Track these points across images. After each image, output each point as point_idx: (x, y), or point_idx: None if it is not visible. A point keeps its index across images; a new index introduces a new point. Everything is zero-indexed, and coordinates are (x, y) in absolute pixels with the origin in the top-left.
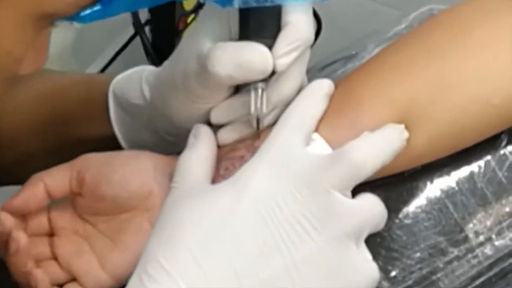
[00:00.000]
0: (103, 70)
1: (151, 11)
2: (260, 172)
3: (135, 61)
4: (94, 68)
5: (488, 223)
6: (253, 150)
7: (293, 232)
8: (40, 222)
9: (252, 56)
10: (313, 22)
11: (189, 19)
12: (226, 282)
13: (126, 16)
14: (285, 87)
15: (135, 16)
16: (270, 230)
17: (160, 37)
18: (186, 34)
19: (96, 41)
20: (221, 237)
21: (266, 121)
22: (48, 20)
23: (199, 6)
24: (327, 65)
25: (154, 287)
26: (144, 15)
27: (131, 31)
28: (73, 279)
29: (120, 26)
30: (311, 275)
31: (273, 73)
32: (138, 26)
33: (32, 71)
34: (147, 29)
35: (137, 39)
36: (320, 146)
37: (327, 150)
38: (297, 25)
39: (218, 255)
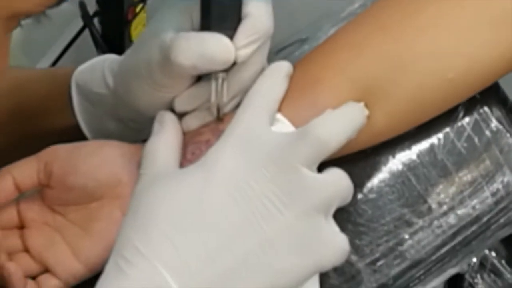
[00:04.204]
0: (53, 64)
1: (99, 2)
2: (227, 153)
3: (86, 53)
4: (44, 62)
5: (450, 193)
6: (218, 134)
7: (264, 208)
8: (10, 215)
9: (215, 47)
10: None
11: (138, 9)
12: (202, 261)
13: (74, 9)
14: (245, 76)
15: (83, 8)
16: (241, 208)
17: (110, 28)
18: (148, 23)
19: (45, 35)
20: (194, 218)
21: (227, 109)
22: (15, 20)
23: None
24: (282, 48)
25: (131, 271)
26: (92, 7)
27: (79, 23)
28: (46, 271)
29: (68, 19)
30: (284, 249)
31: (234, 63)
32: (86, 18)
33: None
34: (96, 21)
35: (87, 31)
36: (284, 125)
37: (291, 129)
38: (257, 17)
39: (192, 235)
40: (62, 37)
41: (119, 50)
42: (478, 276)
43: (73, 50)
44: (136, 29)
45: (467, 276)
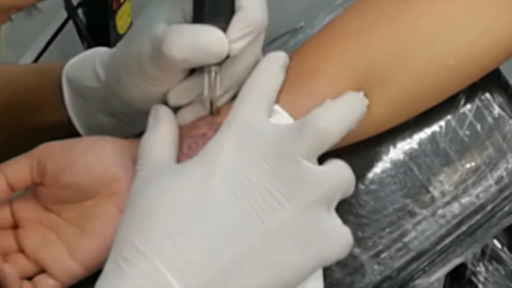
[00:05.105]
0: (38, 57)
1: None
2: (226, 147)
3: (71, 45)
4: (29, 56)
5: (453, 182)
6: (215, 127)
7: (265, 202)
8: (3, 215)
9: (208, 40)
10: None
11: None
12: (203, 258)
13: (58, 0)
14: (239, 70)
15: None
16: (242, 203)
17: (94, 19)
18: (139, 16)
19: (29, 29)
20: (194, 214)
21: (220, 103)
22: (6, 13)
23: None
24: (276, 38)
25: (131, 271)
26: None
27: (64, 15)
28: (42, 271)
29: (52, 11)
30: (286, 243)
31: (227, 56)
32: (70, 10)
33: None
34: (80, 12)
35: (71, 22)
36: (282, 117)
37: (290, 120)
38: (251, 9)
39: (192, 232)
40: (47, 29)
41: (104, 41)
42: (481, 264)
43: (58, 42)
44: (121, 19)
45: (469, 265)
